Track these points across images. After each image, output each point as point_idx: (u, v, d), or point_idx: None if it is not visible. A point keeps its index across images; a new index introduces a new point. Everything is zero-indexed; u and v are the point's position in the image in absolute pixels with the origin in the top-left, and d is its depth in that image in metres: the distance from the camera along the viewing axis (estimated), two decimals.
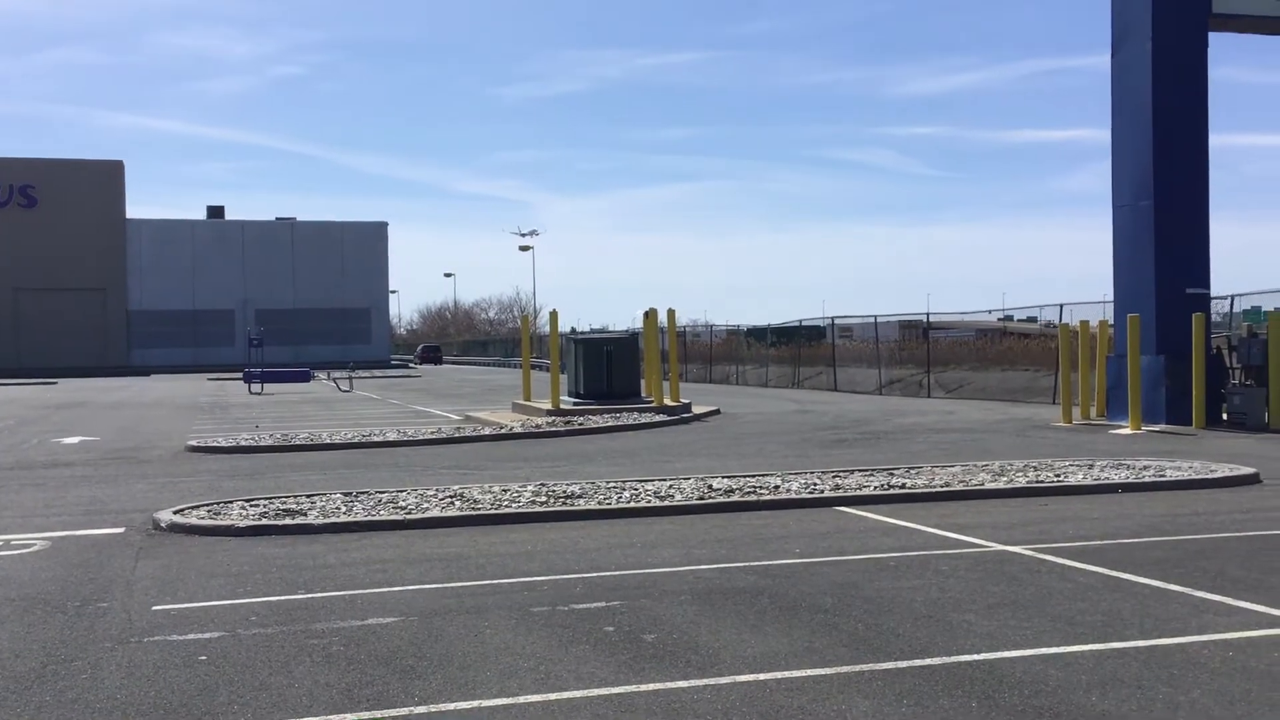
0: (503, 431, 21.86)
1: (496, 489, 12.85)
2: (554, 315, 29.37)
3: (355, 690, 5.93)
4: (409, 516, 11.24)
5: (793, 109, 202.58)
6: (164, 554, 9.89)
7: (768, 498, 12.16)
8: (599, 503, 11.87)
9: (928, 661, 6.28)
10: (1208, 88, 22.22)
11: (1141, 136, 22.07)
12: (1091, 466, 14.40)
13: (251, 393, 41.79)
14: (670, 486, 12.89)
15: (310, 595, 8.17)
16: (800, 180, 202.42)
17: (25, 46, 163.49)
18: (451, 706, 5.66)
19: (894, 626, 7.02)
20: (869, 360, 39.90)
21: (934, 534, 10.32)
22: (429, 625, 7.25)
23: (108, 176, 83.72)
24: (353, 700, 5.78)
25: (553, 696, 5.77)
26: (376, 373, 65.15)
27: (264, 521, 11.01)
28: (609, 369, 26.80)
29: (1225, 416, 21.43)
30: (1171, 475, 13.59)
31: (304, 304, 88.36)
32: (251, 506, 11.89)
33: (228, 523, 10.99)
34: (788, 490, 12.59)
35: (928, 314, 41.39)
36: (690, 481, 13.39)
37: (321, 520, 11.08)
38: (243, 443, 20.11)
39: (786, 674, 6.09)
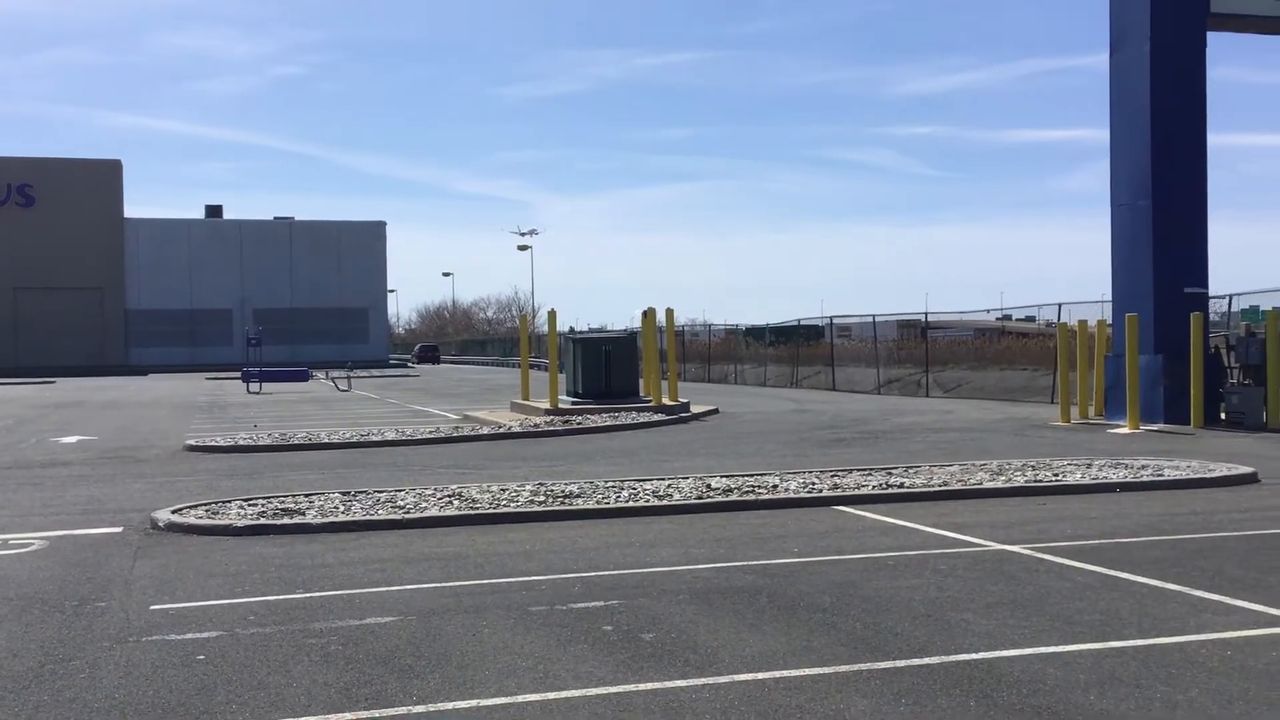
0: (501, 431, 21.87)
1: (495, 488, 12.85)
2: (552, 315, 29.38)
3: (353, 689, 5.93)
4: (407, 516, 11.24)
5: (793, 109, 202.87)
6: (162, 553, 9.88)
7: (766, 497, 12.16)
8: (597, 502, 11.87)
9: (926, 660, 6.28)
10: (1206, 88, 22.24)
11: (1140, 136, 22.08)
12: (1090, 466, 14.41)
13: (249, 392, 41.77)
14: (669, 486, 12.89)
15: (308, 594, 8.17)
16: (800, 180, 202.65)
17: (25, 46, 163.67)
18: (450, 706, 5.66)
19: (892, 625, 7.02)
20: (867, 360, 39.88)
21: (932, 533, 10.32)
22: (427, 624, 7.24)
23: (106, 176, 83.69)
24: (351, 699, 5.77)
25: (551, 696, 5.77)
26: (375, 372, 65.05)
27: (262, 521, 11.00)
28: (607, 368, 26.79)
29: (1223, 416, 21.44)
30: (1170, 474, 13.60)
31: (302, 303, 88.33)
32: (250, 506, 11.88)
33: (226, 522, 10.98)
34: (786, 490, 12.59)
35: (926, 313, 41.41)
36: (688, 481, 13.39)
37: (320, 520, 11.07)
38: (241, 442, 20.10)
39: (785, 673, 6.08)
